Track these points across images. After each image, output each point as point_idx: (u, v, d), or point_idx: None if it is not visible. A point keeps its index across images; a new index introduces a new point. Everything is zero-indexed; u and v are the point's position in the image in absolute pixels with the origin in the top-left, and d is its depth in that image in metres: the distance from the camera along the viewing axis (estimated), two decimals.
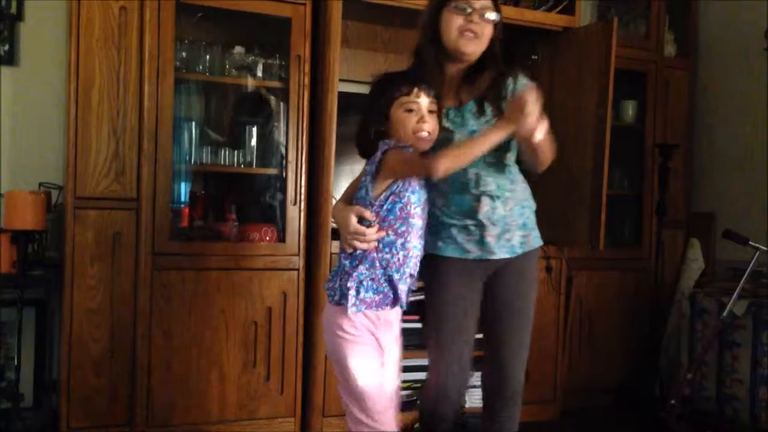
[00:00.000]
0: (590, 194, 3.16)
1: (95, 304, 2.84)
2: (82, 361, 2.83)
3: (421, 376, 2.47)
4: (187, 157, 3.11)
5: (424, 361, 2.24)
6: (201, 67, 3.10)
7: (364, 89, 3.36)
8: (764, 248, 3.25)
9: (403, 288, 2.00)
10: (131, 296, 2.87)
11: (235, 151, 3.16)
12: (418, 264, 2.05)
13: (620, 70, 3.29)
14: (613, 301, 3.80)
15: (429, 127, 2.00)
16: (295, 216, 3.09)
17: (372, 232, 1.97)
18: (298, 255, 3.09)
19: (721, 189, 4.00)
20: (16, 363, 2.90)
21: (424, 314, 2.24)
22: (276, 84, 3.18)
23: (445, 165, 1.92)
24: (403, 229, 1.98)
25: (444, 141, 2.05)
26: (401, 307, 2.05)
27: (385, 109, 2.01)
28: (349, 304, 1.94)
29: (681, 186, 4.04)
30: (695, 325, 3.61)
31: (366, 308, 1.97)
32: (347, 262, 2.00)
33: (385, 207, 1.98)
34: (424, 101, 2.00)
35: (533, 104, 1.86)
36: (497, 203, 2.10)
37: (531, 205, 2.21)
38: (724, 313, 3.28)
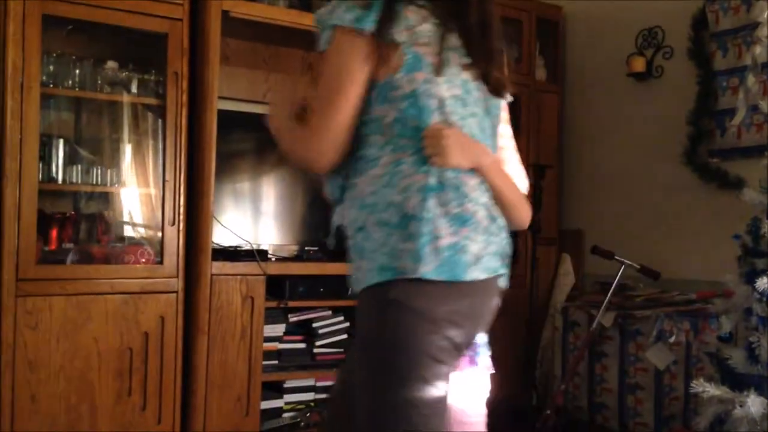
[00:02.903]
0: None
1: None
2: None
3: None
4: (56, 176, 2.95)
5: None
6: (70, 82, 2.95)
7: (245, 107, 3.37)
8: (629, 262, 3.45)
9: None
10: None
11: (109, 170, 3.04)
12: None
13: None
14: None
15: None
16: (174, 237, 2.99)
17: None
18: (177, 277, 2.98)
19: (589, 207, 4.22)
20: None
21: None
22: (153, 101, 3.07)
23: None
24: None
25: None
26: None
27: None
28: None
29: (553, 204, 4.23)
30: (567, 338, 3.77)
31: None
32: None
33: None
34: None
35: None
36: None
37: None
38: (593, 325, 3.45)
